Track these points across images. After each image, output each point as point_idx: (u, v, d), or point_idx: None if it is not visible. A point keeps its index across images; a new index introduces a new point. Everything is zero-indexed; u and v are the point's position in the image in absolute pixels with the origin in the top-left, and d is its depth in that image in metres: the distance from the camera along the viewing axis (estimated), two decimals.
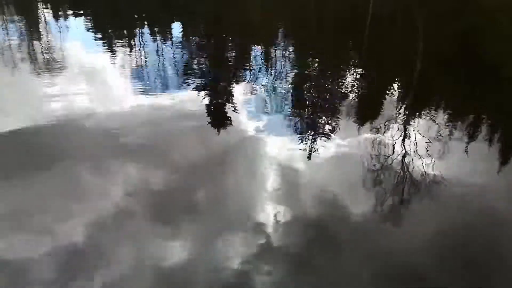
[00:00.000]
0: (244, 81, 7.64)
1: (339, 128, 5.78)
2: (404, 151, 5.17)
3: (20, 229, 3.59)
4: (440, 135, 5.66)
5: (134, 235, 3.54)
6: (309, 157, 4.92)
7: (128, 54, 8.98)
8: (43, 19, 12.60)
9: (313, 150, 5.13)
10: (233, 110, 6.23)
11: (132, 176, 4.41)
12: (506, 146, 5.52)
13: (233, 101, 6.63)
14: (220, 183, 4.40)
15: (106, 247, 3.40)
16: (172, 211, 3.90)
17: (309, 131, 5.68)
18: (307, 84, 7.76)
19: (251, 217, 3.82)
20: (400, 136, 5.59)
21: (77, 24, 11.93)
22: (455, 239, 3.67)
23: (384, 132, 5.70)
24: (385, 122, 5.98)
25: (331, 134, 5.58)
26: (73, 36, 10.58)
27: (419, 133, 5.67)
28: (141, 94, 6.77)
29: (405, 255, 3.45)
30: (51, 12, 13.65)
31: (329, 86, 7.66)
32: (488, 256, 3.50)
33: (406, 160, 4.96)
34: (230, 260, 3.30)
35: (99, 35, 10.71)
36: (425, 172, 4.70)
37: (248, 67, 8.56)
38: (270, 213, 3.90)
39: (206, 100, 6.58)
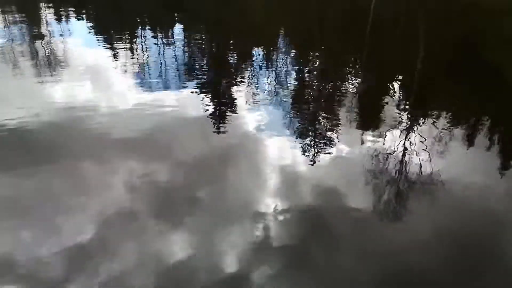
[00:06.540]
0: (244, 81, 7.65)
1: (342, 130, 5.77)
2: (407, 153, 5.16)
3: (25, 221, 3.61)
4: (446, 137, 5.63)
5: (134, 229, 3.57)
6: (312, 162, 4.88)
7: (129, 54, 8.97)
8: (44, 18, 12.61)
9: (314, 152, 5.11)
10: (232, 109, 6.23)
11: (132, 171, 4.43)
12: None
13: (233, 100, 6.63)
14: (220, 182, 4.39)
15: (109, 239, 3.46)
16: (172, 206, 3.91)
17: (311, 133, 5.67)
18: (309, 86, 7.76)
19: (251, 216, 3.82)
20: (403, 137, 5.58)
21: (78, 23, 11.93)
22: (458, 242, 3.65)
23: (387, 134, 5.68)
24: (389, 125, 5.96)
25: (334, 137, 5.57)
26: (74, 35, 10.57)
27: (422, 136, 5.64)
28: (142, 92, 6.78)
29: (410, 259, 3.43)
30: (53, 11, 13.65)
31: (333, 89, 7.65)
32: (487, 257, 3.49)
33: (407, 161, 4.95)
34: (228, 256, 3.31)
35: (101, 34, 10.71)
36: (429, 174, 4.69)
37: (248, 68, 8.55)
38: (271, 211, 3.90)
39: (205, 99, 6.59)
